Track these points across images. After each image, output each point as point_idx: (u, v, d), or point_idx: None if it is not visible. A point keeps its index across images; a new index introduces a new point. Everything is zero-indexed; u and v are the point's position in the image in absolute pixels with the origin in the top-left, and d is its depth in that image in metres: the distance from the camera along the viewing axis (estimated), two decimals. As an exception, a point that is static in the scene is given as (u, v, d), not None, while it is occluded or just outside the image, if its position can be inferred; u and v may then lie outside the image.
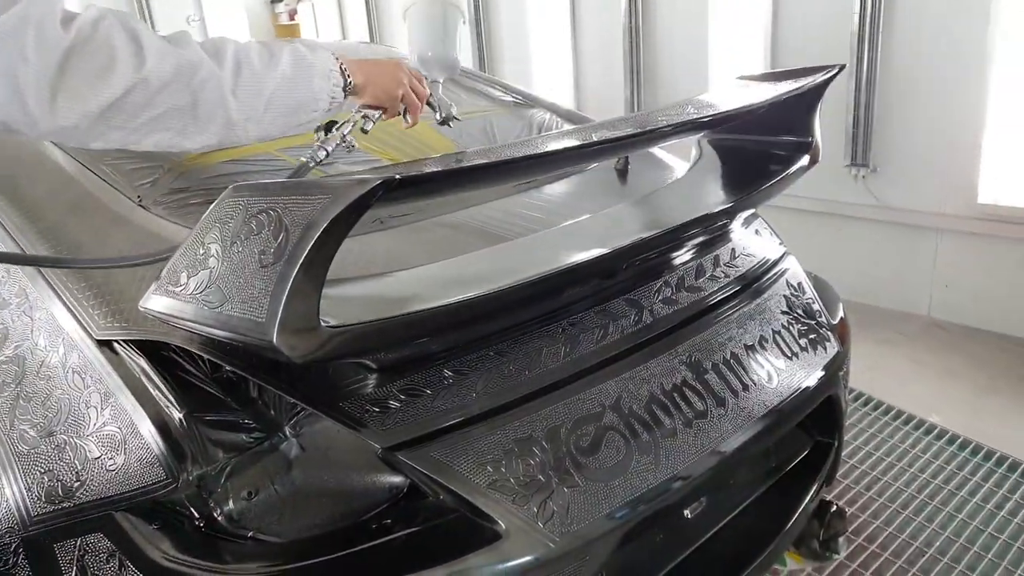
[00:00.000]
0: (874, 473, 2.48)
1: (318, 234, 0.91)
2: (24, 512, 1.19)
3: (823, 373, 1.53)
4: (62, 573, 1.15)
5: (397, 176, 0.90)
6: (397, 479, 1.15)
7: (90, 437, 1.18)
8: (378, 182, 0.89)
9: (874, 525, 2.24)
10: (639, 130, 1.24)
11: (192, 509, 1.12)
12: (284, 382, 1.14)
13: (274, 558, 1.08)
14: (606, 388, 1.25)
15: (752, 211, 1.74)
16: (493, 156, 1.06)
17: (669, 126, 1.26)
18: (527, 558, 1.07)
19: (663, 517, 1.22)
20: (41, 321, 1.34)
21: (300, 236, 0.92)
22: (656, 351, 1.34)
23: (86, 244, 1.42)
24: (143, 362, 1.20)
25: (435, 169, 0.97)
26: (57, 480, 1.18)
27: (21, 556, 1.19)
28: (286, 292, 0.92)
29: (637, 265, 1.36)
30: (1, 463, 1.25)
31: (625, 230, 1.37)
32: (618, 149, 1.43)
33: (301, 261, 0.92)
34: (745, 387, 1.37)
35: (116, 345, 1.22)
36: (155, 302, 1.10)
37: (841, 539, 1.75)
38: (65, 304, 1.31)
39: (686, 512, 1.33)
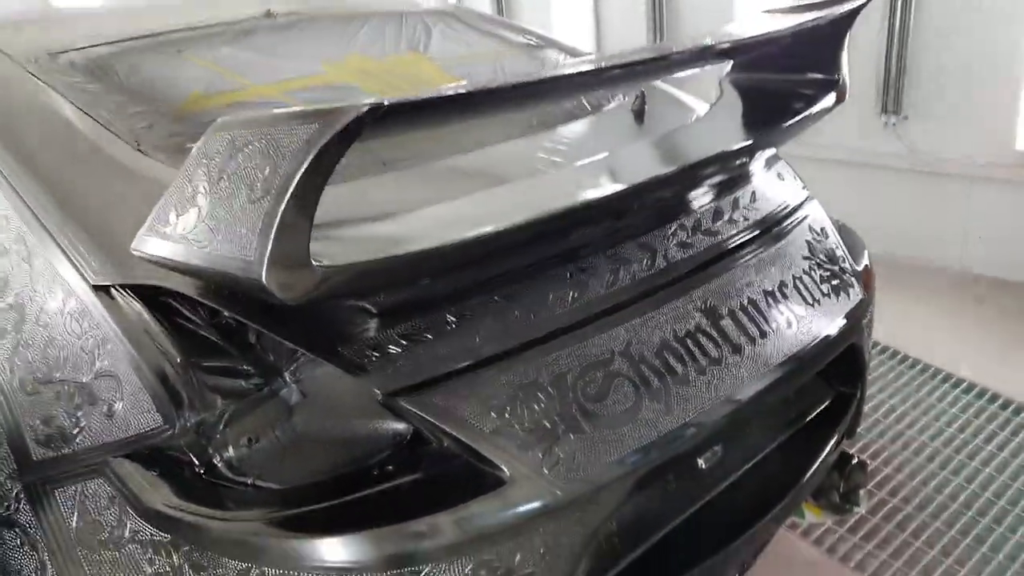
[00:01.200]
0: (899, 427, 2.42)
1: (305, 165, 0.87)
2: (24, 458, 1.18)
3: (845, 321, 1.47)
4: (64, 518, 1.14)
5: (386, 102, 0.84)
6: (400, 425, 1.11)
7: (88, 383, 1.16)
8: (366, 108, 0.84)
9: (897, 479, 2.19)
10: (650, 56, 1.17)
11: (192, 456, 1.10)
12: (281, 326, 1.10)
13: (275, 505, 1.06)
14: (616, 334, 1.20)
15: (774, 152, 1.66)
16: (491, 85, 1.00)
17: (684, 51, 1.19)
18: (531, 505, 1.04)
19: (674, 466, 1.18)
20: (39, 268, 1.31)
21: (287, 168, 0.88)
22: (669, 296, 1.28)
23: (84, 190, 1.39)
24: (140, 307, 1.17)
25: (426, 96, 0.92)
26: (56, 426, 1.17)
27: (23, 501, 1.18)
28: (274, 227, 0.88)
29: (650, 206, 1.30)
30: (1, 409, 1.23)
31: (638, 169, 1.31)
32: (626, 77, 1.36)
33: (289, 194, 0.88)
34: (763, 334, 1.32)
35: (113, 291, 1.19)
36: (145, 244, 1.07)
37: (862, 492, 1.71)
38: (62, 250, 1.28)
39: (699, 462, 1.29)
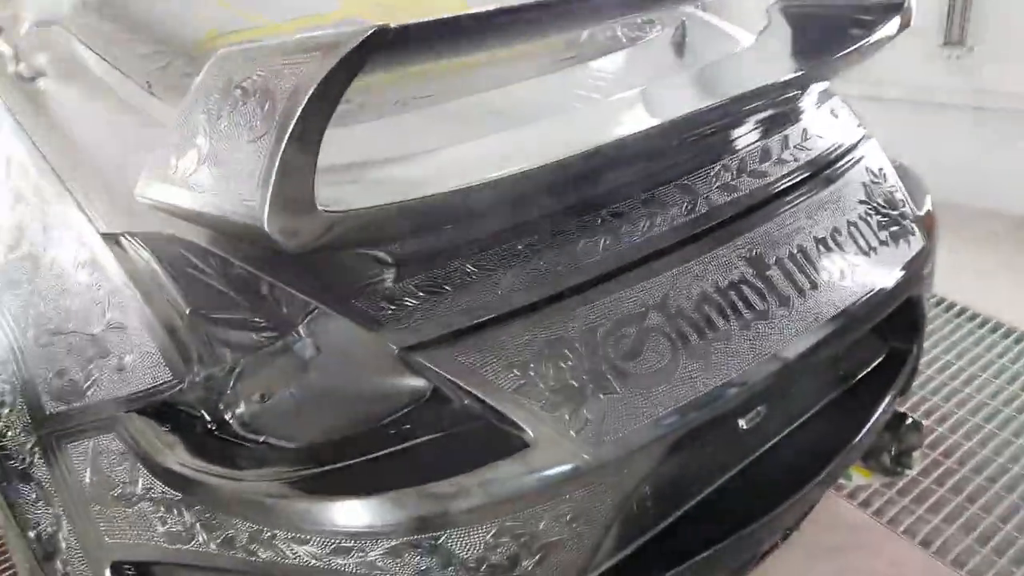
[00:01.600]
0: (954, 384, 2.29)
1: (306, 100, 0.79)
2: (38, 411, 1.15)
3: (904, 271, 1.35)
4: (77, 473, 1.11)
5: (392, 26, 0.75)
6: (419, 382, 1.05)
7: (99, 336, 1.12)
8: (370, 33, 0.76)
9: (952, 439, 2.08)
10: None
11: (203, 412, 1.06)
12: (291, 276, 1.04)
13: (288, 464, 1.01)
14: (651, 286, 1.11)
15: (827, 87, 1.53)
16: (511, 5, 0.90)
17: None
18: (557, 469, 0.97)
19: (713, 429, 1.10)
20: (52, 216, 1.27)
21: (287, 103, 0.81)
22: (711, 244, 1.18)
23: (95, 135, 1.33)
24: (149, 256, 1.12)
25: (436, 19, 0.82)
26: (69, 379, 1.13)
27: (37, 455, 1.15)
28: (275, 169, 0.81)
29: (690, 145, 1.19)
30: (17, 361, 1.21)
31: (676, 105, 1.19)
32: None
33: (290, 132, 0.80)
34: (813, 285, 1.21)
35: (122, 239, 1.14)
36: (147, 189, 1.01)
37: (915, 454, 1.61)
38: (73, 196, 1.23)
39: (741, 423, 1.21)
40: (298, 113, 0.79)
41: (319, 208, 0.85)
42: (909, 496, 1.90)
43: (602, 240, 1.11)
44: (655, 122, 1.08)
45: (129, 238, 1.14)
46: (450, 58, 1.17)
